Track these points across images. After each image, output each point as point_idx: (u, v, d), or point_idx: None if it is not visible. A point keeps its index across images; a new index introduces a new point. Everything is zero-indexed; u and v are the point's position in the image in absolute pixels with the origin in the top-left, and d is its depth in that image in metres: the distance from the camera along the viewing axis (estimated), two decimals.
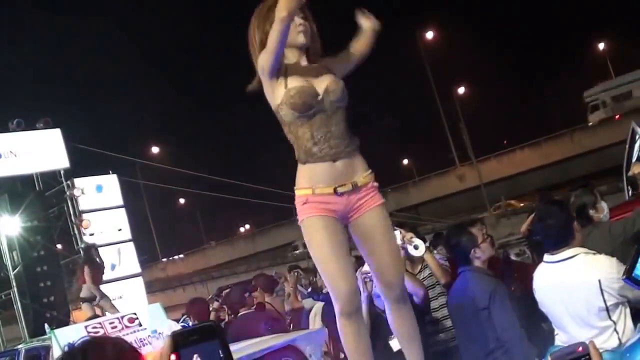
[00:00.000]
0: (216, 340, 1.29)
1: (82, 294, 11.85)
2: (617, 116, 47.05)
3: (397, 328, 3.79)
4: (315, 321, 7.56)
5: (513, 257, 9.75)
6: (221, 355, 1.28)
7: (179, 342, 1.28)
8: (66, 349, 1.74)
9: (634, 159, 10.37)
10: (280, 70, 3.59)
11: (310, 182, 3.55)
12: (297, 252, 40.92)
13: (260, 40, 3.62)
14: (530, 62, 68.99)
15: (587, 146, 46.64)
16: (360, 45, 3.75)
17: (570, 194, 5.60)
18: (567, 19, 73.65)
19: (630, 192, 8.92)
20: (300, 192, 3.58)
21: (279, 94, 3.57)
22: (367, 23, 3.73)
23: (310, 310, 8.06)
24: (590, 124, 50.34)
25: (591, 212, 5.07)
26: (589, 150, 46.07)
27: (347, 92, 3.67)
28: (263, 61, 3.52)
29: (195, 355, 1.27)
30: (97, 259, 12.03)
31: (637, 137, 10.62)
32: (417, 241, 4.89)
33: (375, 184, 3.69)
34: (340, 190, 3.54)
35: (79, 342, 1.68)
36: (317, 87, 3.59)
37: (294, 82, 3.56)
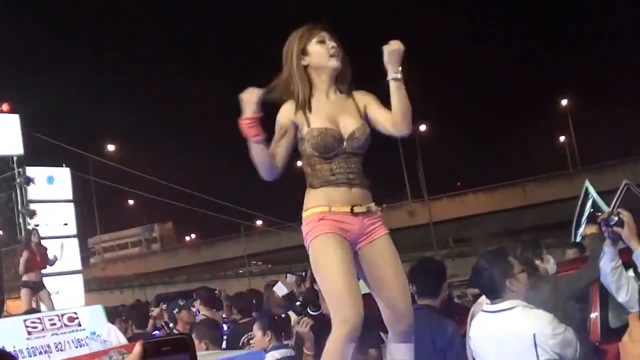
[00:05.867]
0: (187, 353, 1.25)
1: (25, 278, 11.61)
2: None
3: None
4: None
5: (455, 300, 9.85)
6: None
7: (148, 350, 1.24)
8: None
9: (584, 217, 10.65)
10: (305, 104, 3.50)
11: (327, 201, 3.41)
12: None
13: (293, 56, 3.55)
14: (493, 111, 69.87)
15: (539, 198, 47.28)
16: (395, 120, 3.50)
17: (517, 245, 5.73)
18: (532, 73, 75.14)
19: (578, 238, 9.58)
20: (316, 209, 3.41)
21: (302, 129, 3.49)
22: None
23: None
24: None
25: (537, 262, 5.16)
26: (540, 203, 46.71)
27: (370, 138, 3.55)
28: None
29: None
30: (39, 243, 11.81)
31: (589, 195, 10.90)
32: None
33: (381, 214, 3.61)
34: (356, 210, 3.43)
35: None
36: (343, 129, 3.49)
37: (319, 122, 3.47)
